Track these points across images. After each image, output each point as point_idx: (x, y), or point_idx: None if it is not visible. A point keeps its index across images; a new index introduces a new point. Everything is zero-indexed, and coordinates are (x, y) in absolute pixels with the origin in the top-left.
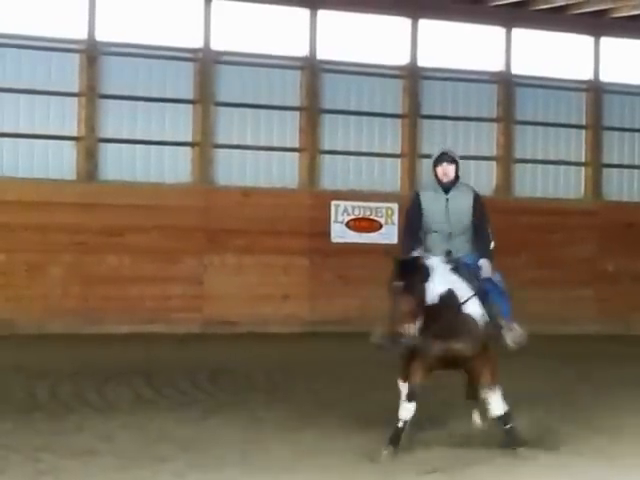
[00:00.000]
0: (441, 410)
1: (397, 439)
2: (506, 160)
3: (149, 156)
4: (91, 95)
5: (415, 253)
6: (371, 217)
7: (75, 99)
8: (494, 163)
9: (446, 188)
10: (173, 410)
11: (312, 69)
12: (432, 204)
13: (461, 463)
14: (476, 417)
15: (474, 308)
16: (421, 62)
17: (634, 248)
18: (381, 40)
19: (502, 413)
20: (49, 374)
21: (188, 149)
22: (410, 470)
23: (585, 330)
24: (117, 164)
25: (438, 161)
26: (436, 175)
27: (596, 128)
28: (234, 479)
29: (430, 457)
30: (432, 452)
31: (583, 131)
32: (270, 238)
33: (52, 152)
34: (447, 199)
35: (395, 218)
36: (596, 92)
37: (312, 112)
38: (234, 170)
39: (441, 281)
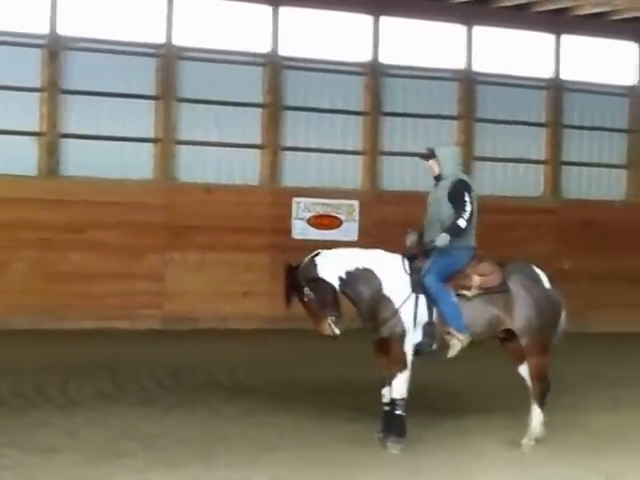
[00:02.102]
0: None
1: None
2: (466, 158)
3: (111, 152)
4: (53, 90)
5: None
6: (332, 214)
7: (37, 94)
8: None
9: (437, 181)
10: (135, 406)
11: (274, 66)
12: (430, 195)
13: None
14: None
15: (405, 305)
16: (383, 59)
17: (593, 246)
18: (343, 37)
19: (396, 397)
20: (12, 370)
21: (150, 145)
22: (370, 466)
23: None
24: (79, 160)
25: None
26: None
27: (556, 126)
28: (195, 475)
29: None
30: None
31: (543, 129)
32: (232, 235)
33: (14, 148)
34: (434, 190)
35: (356, 215)
36: (556, 90)
37: (274, 109)
38: (196, 167)
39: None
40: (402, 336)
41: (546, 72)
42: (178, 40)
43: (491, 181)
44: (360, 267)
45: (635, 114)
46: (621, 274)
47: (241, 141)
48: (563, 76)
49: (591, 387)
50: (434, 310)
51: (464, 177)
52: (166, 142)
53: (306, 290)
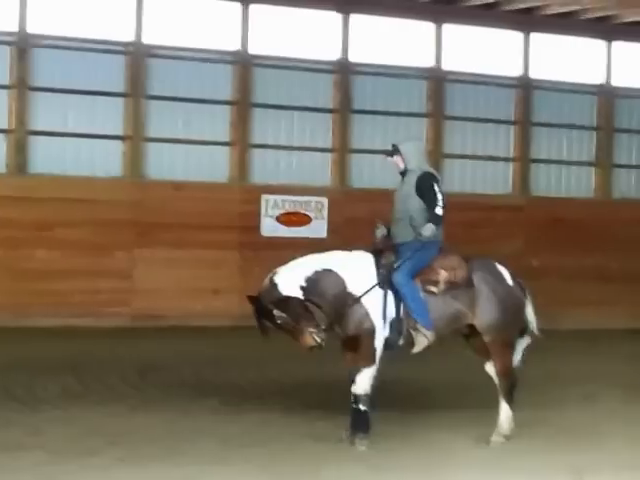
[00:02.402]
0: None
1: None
2: (435, 155)
3: (80, 149)
4: (21, 88)
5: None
6: (301, 211)
7: (5, 92)
8: None
9: (403, 176)
10: (101, 404)
11: (243, 63)
12: (396, 191)
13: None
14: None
15: (370, 301)
16: (352, 57)
17: (560, 243)
18: (312, 35)
19: (360, 393)
20: None
21: (119, 142)
22: (338, 463)
23: None
24: (48, 157)
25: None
26: None
27: (525, 124)
28: (161, 473)
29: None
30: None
31: (512, 127)
32: (201, 232)
33: None
34: (400, 186)
35: (325, 212)
36: (525, 88)
37: (243, 106)
38: (165, 164)
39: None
40: (371, 332)
41: (515, 70)
42: (147, 38)
43: (460, 178)
44: (319, 269)
45: (603, 112)
46: (590, 271)
47: (210, 138)
48: (532, 74)
49: (561, 384)
50: (401, 306)
51: (430, 169)
52: (135, 139)
53: (276, 313)
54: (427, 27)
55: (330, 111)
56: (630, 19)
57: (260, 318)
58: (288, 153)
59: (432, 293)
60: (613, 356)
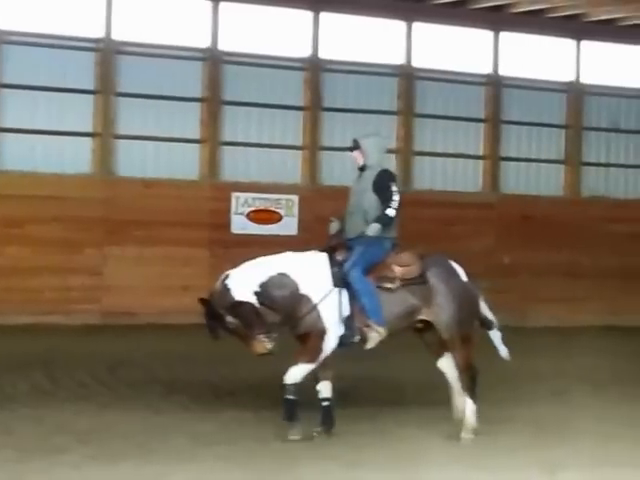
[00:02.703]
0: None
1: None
2: (406, 153)
3: (49, 146)
4: None
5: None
6: (271, 209)
7: None
8: (393, 156)
9: (361, 171)
10: (71, 402)
11: (214, 60)
12: (352, 186)
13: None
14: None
15: (324, 303)
16: (323, 55)
17: (531, 240)
18: (283, 32)
19: (288, 382)
20: None
21: (89, 139)
22: (307, 456)
23: None
24: (17, 154)
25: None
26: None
27: (495, 122)
28: (132, 470)
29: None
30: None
31: (482, 124)
32: (171, 229)
33: None
34: (357, 181)
35: (295, 210)
36: (495, 86)
37: (213, 103)
38: (135, 161)
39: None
40: (322, 333)
41: (485, 68)
42: (117, 34)
43: (430, 176)
44: (273, 274)
45: (572, 110)
46: (560, 268)
47: (180, 135)
48: (502, 72)
49: (530, 380)
50: (355, 303)
51: (388, 167)
52: (105, 136)
53: (228, 318)
54: (397, 25)
55: (301, 108)
56: (598, 17)
57: (210, 321)
58: (258, 150)
59: (387, 289)
60: (584, 352)
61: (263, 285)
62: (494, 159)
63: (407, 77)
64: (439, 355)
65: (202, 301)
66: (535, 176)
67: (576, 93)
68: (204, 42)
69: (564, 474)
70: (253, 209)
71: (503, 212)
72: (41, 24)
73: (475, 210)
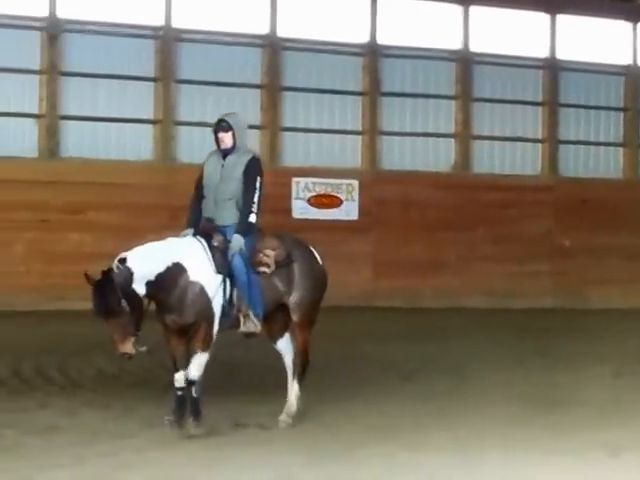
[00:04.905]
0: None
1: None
2: (464, 137)
3: (111, 134)
4: (52, 73)
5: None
6: (332, 193)
7: (36, 77)
8: (452, 140)
9: (225, 154)
10: (136, 387)
11: (273, 47)
12: (210, 169)
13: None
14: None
15: (211, 288)
16: (381, 40)
17: (589, 223)
18: (342, 18)
19: (194, 379)
20: (11, 351)
21: (150, 126)
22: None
23: (541, 304)
24: (79, 141)
25: (215, 128)
26: (216, 141)
27: (552, 105)
28: (194, 454)
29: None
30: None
31: (540, 108)
32: None
33: (13, 130)
34: (222, 165)
35: (355, 194)
36: (553, 69)
37: (273, 90)
38: (195, 147)
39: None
40: (212, 319)
41: (542, 52)
42: (177, 22)
43: (489, 159)
44: (169, 264)
45: (630, 93)
46: (618, 251)
47: None
48: (559, 56)
49: (590, 363)
50: (234, 290)
51: (258, 155)
52: (165, 123)
53: (123, 303)
54: (454, 9)
55: (359, 94)
56: None
57: (103, 297)
58: (318, 136)
59: (264, 274)
60: None
61: (159, 275)
62: (552, 142)
63: (464, 61)
64: (280, 336)
65: (104, 273)
66: (594, 159)
67: (634, 76)
68: (263, 28)
69: (626, 455)
70: (314, 194)
71: (562, 195)
72: (102, 12)
73: (534, 193)
